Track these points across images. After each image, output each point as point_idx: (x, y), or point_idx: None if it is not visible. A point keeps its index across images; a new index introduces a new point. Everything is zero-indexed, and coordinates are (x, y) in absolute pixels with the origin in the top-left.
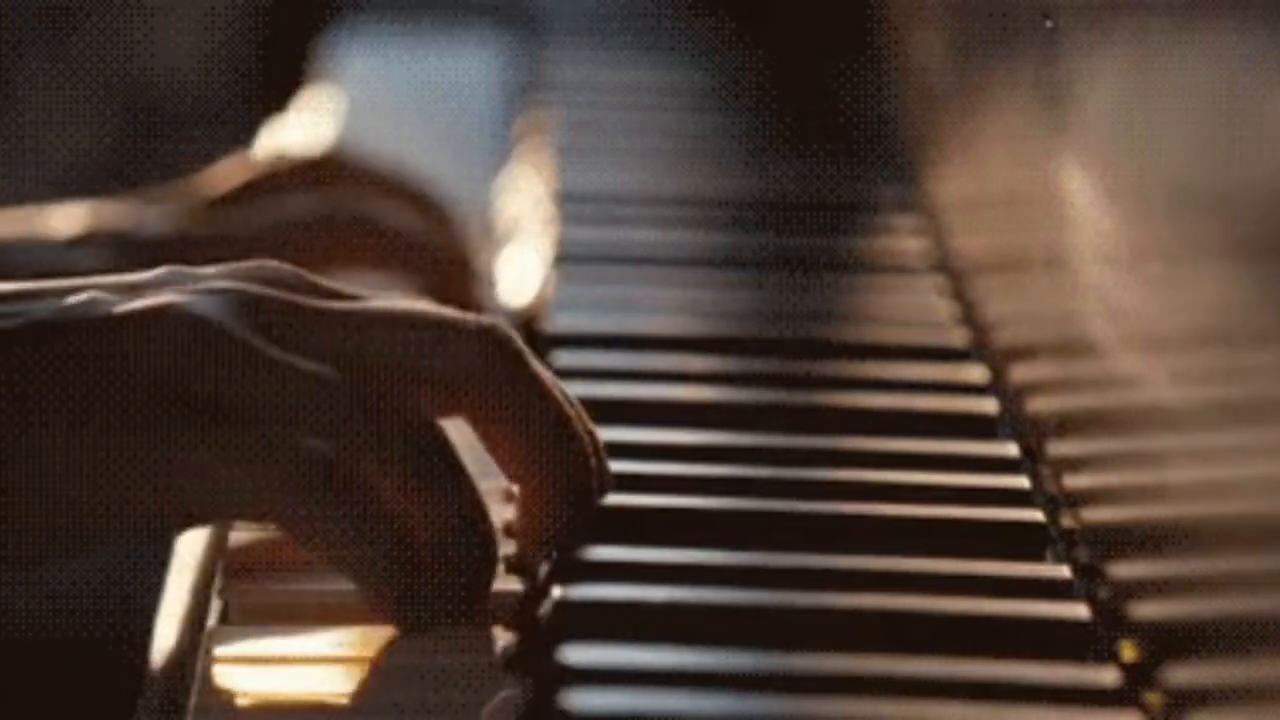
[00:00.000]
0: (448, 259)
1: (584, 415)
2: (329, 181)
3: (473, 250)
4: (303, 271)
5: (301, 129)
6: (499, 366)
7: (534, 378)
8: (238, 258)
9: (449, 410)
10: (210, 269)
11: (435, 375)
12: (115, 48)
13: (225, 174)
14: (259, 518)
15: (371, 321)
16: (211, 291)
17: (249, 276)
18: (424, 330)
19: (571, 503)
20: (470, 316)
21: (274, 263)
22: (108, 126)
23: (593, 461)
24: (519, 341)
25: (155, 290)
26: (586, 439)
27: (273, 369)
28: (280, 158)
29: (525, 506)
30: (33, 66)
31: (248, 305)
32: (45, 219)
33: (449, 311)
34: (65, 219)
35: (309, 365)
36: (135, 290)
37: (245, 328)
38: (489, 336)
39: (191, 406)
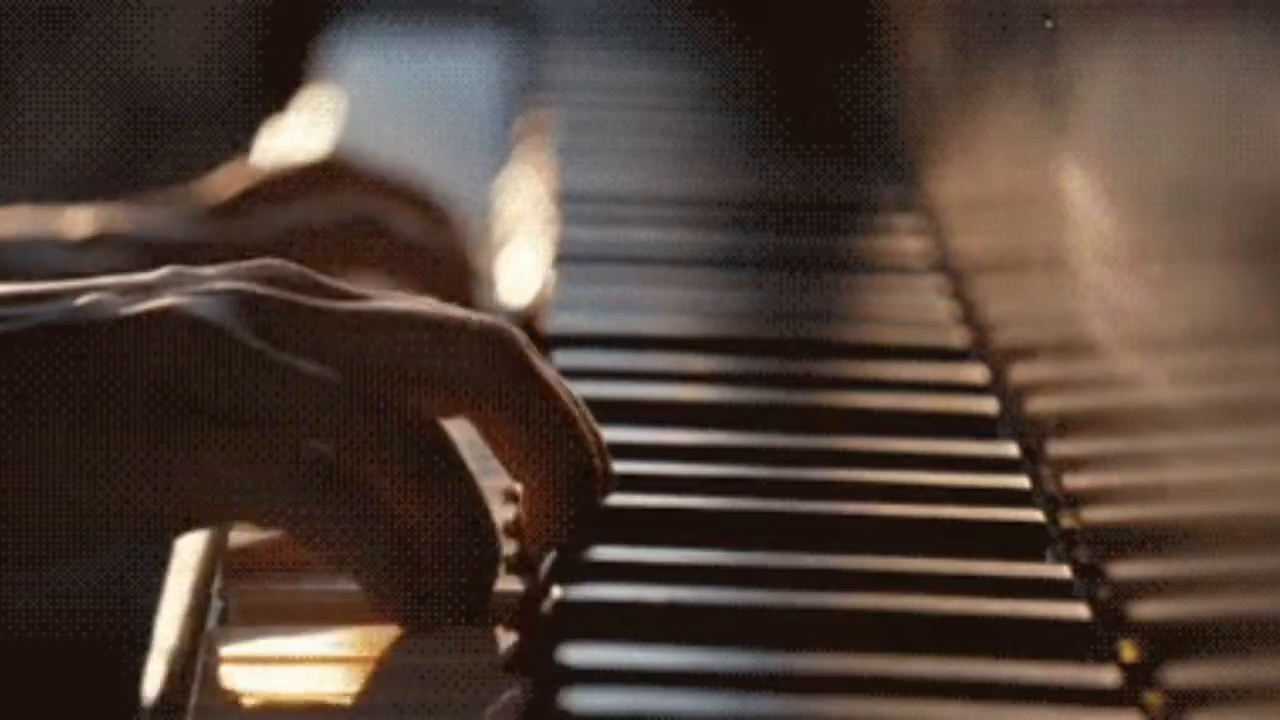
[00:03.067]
0: (449, 261)
1: (588, 415)
2: (330, 186)
3: (473, 251)
4: (308, 270)
5: (301, 130)
6: (501, 366)
7: (537, 377)
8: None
9: (452, 410)
10: (213, 269)
11: (437, 375)
12: (115, 48)
13: (226, 181)
14: (260, 519)
15: (373, 321)
16: (213, 293)
17: (252, 276)
18: (426, 330)
19: (574, 502)
20: (474, 315)
21: (278, 261)
22: (108, 126)
23: (596, 461)
24: (523, 340)
25: (159, 291)
26: (590, 439)
27: (272, 370)
28: (281, 164)
29: (529, 506)
30: (33, 66)
31: (249, 305)
32: (55, 219)
33: (453, 310)
34: (75, 220)
35: (309, 367)
36: (140, 291)
37: (246, 329)
38: (492, 336)
39: (192, 408)
